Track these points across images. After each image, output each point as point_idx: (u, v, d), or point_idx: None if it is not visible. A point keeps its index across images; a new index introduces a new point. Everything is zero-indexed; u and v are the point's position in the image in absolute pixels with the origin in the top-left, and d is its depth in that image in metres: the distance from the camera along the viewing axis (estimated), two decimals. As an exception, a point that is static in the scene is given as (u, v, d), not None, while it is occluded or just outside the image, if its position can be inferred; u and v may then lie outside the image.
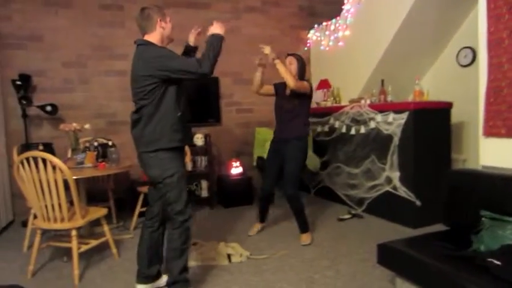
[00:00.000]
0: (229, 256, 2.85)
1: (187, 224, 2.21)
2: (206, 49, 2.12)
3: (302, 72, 3.22)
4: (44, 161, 2.40)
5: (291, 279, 2.50)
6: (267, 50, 2.99)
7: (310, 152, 4.62)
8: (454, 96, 3.73)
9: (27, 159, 2.43)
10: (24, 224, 3.67)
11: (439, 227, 2.42)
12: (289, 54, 3.29)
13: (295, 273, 2.59)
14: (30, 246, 3.03)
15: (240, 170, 4.61)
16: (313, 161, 4.57)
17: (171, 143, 2.15)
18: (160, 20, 2.22)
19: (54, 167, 2.42)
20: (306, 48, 5.33)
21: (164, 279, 2.42)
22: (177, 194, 2.17)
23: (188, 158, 4.01)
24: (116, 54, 4.36)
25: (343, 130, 4.20)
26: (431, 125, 3.48)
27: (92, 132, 3.76)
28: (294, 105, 3.17)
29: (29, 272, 2.64)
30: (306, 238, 3.18)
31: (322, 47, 5.01)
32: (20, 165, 2.47)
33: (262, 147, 4.42)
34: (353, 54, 4.46)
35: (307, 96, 3.19)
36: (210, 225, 3.72)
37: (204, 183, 4.45)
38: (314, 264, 2.73)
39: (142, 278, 2.35)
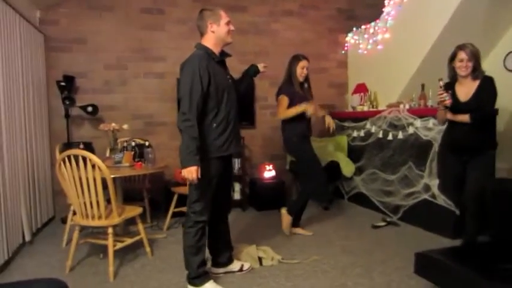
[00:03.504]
0: (260, 259, 2.82)
1: (201, 225, 2.31)
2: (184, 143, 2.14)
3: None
4: (84, 159, 2.48)
5: (323, 285, 2.43)
6: (310, 110, 3.18)
7: (344, 157, 4.53)
8: (499, 102, 3.50)
9: (69, 157, 2.51)
10: (64, 221, 3.82)
11: (479, 239, 2.28)
12: (303, 58, 3.31)
13: (327, 280, 2.52)
14: (68, 242, 3.14)
15: (273, 173, 4.58)
16: (347, 166, 4.46)
17: None
18: (211, 23, 2.27)
19: (93, 166, 2.50)
20: (343, 52, 5.23)
21: (236, 264, 2.65)
22: (200, 195, 2.26)
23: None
24: (155, 57, 4.46)
25: (380, 135, 4.07)
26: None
27: (129, 133, 3.86)
28: None
29: (67, 267, 2.73)
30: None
31: (360, 51, 4.90)
32: (62, 163, 2.56)
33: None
34: (392, 57, 4.32)
35: None
36: (241, 228, 3.71)
37: (237, 186, 4.45)
38: (347, 271, 2.64)
39: (215, 264, 2.63)
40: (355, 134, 4.53)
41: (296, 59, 3.32)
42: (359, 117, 4.48)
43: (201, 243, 2.35)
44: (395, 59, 4.27)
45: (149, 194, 4.00)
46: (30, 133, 3.60)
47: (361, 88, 4.88)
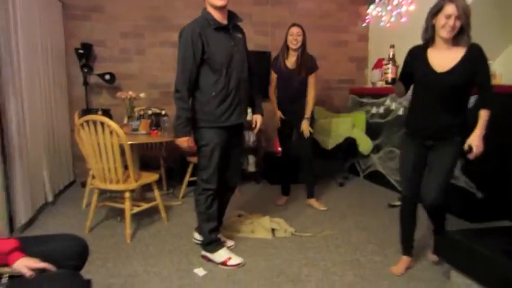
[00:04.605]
0: (273, 231, 2.85)
1: (210, 193, 2.34)
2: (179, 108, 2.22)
3: (305, 44, 3.28)
4: (103, 125, 2.50)
5: (335, 260, 2.44)
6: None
7: (362, 134, 4.46)
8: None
9: (88, 122, 2.54)
10: (83, 185, 3.92)
11: (501, 224, 2.23)
12: (294, 25, 3.26)
13: (340, 255, 2.53)
14: (88, 205, 3.23)
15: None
16: (365, 143, 4.40)
17: None
18: None
19: (111, 132, 2.52)
20: (364, 25, 5.06)
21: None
22: (206, 163, 2.28)
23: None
24: (172, 25, 4.40)
25: (400, 112, 3.97)
26: (502, 111, 3.16)
27: (146, 102, 3.87)
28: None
29: (86, 227, 2.82)
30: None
31: (382, 23, 4.72)
32: (81, 128, 2.60)
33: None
34: (417, 31, 4.13)
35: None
36: (255, 200, 3.74)
37: (251, 158, 4.45)
38: (360, 247, 2.64)
39: None
40: (373, 110, 4.44)
41: (289, 26, 3.29)
42: (379, 94, 4.37)
43: (211, 211, 2.38)
44: (419, 33, 4.09)
45: (165, 163, 4.05)
46: (50, 100, 3.64)
47: (381, 63, 4.73)
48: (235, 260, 2.37)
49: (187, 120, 2.19)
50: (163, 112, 3.44)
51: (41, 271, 1.32)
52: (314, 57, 3.37)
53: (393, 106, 4.10)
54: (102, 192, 2.93)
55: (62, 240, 1.57)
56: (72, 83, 4.27)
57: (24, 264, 1.33)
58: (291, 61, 3.32)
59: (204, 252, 2.43)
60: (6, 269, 1.33)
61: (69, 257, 1.48)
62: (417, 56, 2.16)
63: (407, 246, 2.32)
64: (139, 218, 3.07)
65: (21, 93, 2.90)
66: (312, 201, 3.53)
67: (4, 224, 2.59)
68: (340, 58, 5.03)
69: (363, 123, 4.57)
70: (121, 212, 2.85)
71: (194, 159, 3.60)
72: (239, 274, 2.26)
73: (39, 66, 3.38)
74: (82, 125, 2.57)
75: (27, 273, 1.30)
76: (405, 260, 2.32)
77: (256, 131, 2.62)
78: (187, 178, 3.70)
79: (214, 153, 2.29)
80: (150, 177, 2.90)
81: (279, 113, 3.44)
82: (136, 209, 2.81)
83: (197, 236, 2.60)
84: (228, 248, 2.51)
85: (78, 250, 1.54)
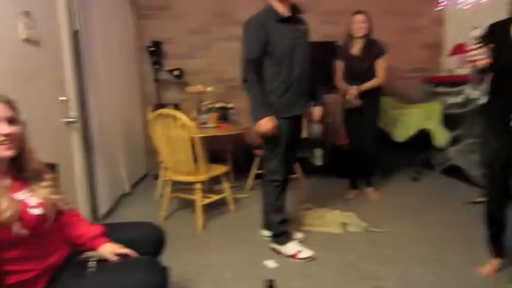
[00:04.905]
0: (344, 225, 2.74)
1: (277, 184, 2.32)
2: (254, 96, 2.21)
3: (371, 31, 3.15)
4: (174, 118, 2.58)
5: (415, 258, 2.28)
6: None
7: (437, 125, 4.14)
8: None
9: (160, 116, 2.63)
10: (156, 177, 4.10)
11: None
12: (357, 12, 3.11)
13: (420, 253, 2.35)
14: (161, 196, 3.38)
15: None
16: (440, 135, 4.08)
17: None
18: None
19: (182, 125, 2.58)
20: (439, 8, 4.67)
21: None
22: (273, 155, 2.29)
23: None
24: (237, 20, 4.41)
25: (482, 101, 3.60)
26: None
27: (213, 96, 3.94)
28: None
29: (160, 217, 2.95)
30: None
31: (459, 6, 4.33)
32: (154, 122, 2.70)
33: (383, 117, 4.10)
34: (499, 13, 3.73)
35: None
36: (323, 194, 3.61)
37: (319, 152, 4.34)
38: (444, 246, 2.43)
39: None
40: (451, 100, 4.09)
41: (352, 14, 3.16)
42: (456, 82, 4.01)
43: (279, 202, 2.37)
44: (502, 16, 3.68)
45: (232, 156, 4.09)
46: (125, 96, 3.86)
47: (461, 49, 4.34)
48: (306, 253, 2.31)
49: (264, 102, 2.19)
50: (230, 105, 3.48)
51: (123, 256, 1.38)
52: (382, 41, 3.18)
53: (474, 95, 3.74)
54: (175, 184, 3.02)
55: (141, 227, 1.63)
56: (144, 80, 4.49)
57: (109, 250, 1.39)
58: (356, 49, 3.17)
59: (273, 245, 2.41)
60: (92, 253, 1.40)
61: (148, 244, 1.53)
62: (501, 33, 1.87)
63: (497, 247, 2.08)
64: (209, 209, 3.13)
65: (101, 91, 3.09)
66: (369, 190, 3.43)
67: (89, 213, 2.79)
68: (410, 45, 4.70)
69: (438, 114, 4.24)
70: (192, 203, 2.92)
71: (260, 152, 3.61)
72: (310, 268, 2.21)
73: (115, 65, 3.59)
74: (155, 119, 2.68)
75: (112, 257, 1.37)
76: (495, 261, 2.09)
77: (317, 122, 2.57)
78: (253, 171, 3.71)
79: (281, 144, 2.27)
80: (220, 169, 2.94)
81: (352, 88, 3.18)
82: (206, 200, 2.87)
83: (265, 233, 2.58)
84: (298, 240, 2.46)
85: (157, 238, 1.60)
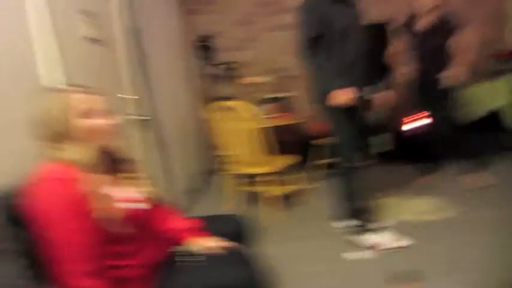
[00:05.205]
0: (426, 212, 2.56)
1: (350, 171, 2.24)
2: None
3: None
4: (237, 111, 2.52)
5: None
6: None
7: (509, 104, 3.81)
8: None
9: (222, 109, 2.59)
10: (216, 172, 4.08)
11: None
12: None
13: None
14: (226, 190, 3.29)
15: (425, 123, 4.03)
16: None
17: None
18: None
19: (247, 117, 2.52)
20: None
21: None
22: (340, 141, 2.23)
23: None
24: (285, 8, 4.31)
25: None
26: None
27: (267, 87, 3.85)
28: None
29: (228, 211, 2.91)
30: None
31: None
32: (214, 116, 2.66)
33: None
34: None
35: None
36: (393, 181, 3.34)
37: (384, 137, 4.11)
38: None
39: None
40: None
41: None
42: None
43: (355, 191, 2.28)
44: None
45: (292, 147, 3.96)
46: (179, 91, 3.87)
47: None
48: (388, 243, 2.19)
49: (336, 75, 2.13)
50: (285, 95, 3.39)
51: (224, 249, 1.34)
52: (455, 13, 2.90)
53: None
54: (240, 177, 2.98)
55: (227, 219, 1.61)
56: (195, 75, 4.48)
57: (208, 243, 1.37)
58: (423, 24, 2.93)
59: (350, 236, 2.30)
60: (191, 247, 1.37)
61: (235, 235, 1.49)
62: None
63: None
64: (277, 202, 3.05)
65: (160, 88, 3.09)
66: (465, 178, 3.07)
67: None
68: (480, 16, 4.31)
69: (509, 92, 3.89)
70: (257, 196, 2.86)
71: (319, 142, 3.49)
72: (393, 259, 2.07)
73: (169, 61, 3.59)
74: (216, 112, 2.64)
75: (213, 250, 1.34)
76: None
77: (385, 107, 2.43)
78: (320, 161, 3.59)
79: (349, 129, 2.20)
80: (287, 160, 2.87)
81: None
82: (275, 192, 2.81)
83: (338, 224, 2.48)
84: (377, 230, 2.33)
85: (243, 229, 1.58)
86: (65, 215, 1.04)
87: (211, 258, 1.31)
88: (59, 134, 1.11)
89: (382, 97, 2.42)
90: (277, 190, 2.86)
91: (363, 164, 2.34)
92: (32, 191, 1.06)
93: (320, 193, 3.24)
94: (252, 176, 2.84)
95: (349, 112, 2.17)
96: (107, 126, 1.18)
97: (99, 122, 1.16)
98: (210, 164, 4.49)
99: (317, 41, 2.15)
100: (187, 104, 4.19)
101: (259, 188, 2.77)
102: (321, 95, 2.18)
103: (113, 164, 1.26)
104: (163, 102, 3.13)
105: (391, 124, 4.15)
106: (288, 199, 3.10)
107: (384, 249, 2.16)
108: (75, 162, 1.10)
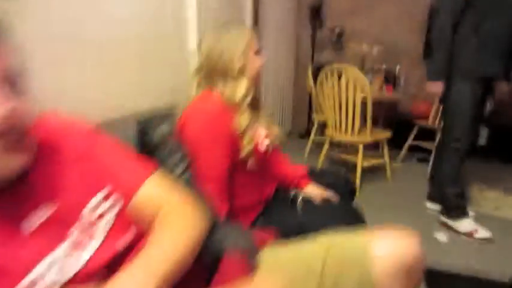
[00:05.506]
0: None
1: (457, 153, 2.16)
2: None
3: None
4: (349, 77, 2.53)
5: None
6: None
7: None
8: None
9: (329, 73, 2.62)
10: (301, 136, 4.19)
11: None
12: None
13: None
14: (310, 154, 3.44)
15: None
16: None
17: None
18: None
19: (357, 85, 2.53)
20: None
21: None
22: (456, 120, 2.12)
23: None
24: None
25: None
26: None
27: (374, 58, 3.74)
28: None
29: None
30: None
31: None
32: (324, 80, 2.71)
33: None
34: None
35: None
36: (492, 176, 3.16)
37: (484, 131, 3.83)
38: None
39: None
40: None
41: None
42: None
43: (458, 173, 2.19)
44: None
45: (387, 123, 3.89)
46: (279, 56, 3.93)
47: None
48: (483, 233, 2.13)
49: (445, 65, 2.03)
50: (396, 68, 3.28)
51: (325, 200, 1.41)
52: None
53: None
54: (333, 143, 3.02)
55: (335, 175, 1.68)
56: (301, 39, 4.49)
57: (314, 191, 1.45)
58: None
59: (444, 218, 2.27)
60: (298, 191, 1.46)
61: (342, 191, 1.55)
62: None
63: None
64: (364, 173, 3.06)
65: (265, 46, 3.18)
66: None
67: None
68: None
69: None
70: (346, 164, 2.90)
71: (420, 122, 3.37)
72: (487, 249, 2.03)
73: (278, 25, 3.64)
74: (325, 77, 2.68)
75: (316, 198, 1.42)
76: None
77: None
78: (409, 141, 3.51)
79: (466, 108, 2.07)
80: (383, 134, 2.85)
81: None
82: (365, 163, 2.81)
83: (431, 205, 2.46)
84: (473, 218, 2.26)
85: (349, 187, 1.64)
86: (213, 145, 1.16)
87: (319, 206, 1.37)
88: (234, 70, 1.17)
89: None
90: (368, 162, 2.87)
91: (474, 146, 2.24)
92: (190, 120, 1.17)
93: (408, 172, 3.22)
94: (345, 145, 2.86)
95: (476, 91, 2.05)
96: (263, 66, 1.26)
97: (263, 61, 1.26)
98: (305, 128, 4.59)
99: (461, 13, 1.99)
100: (287, 67, 4.25)
101: (350, 157, 2.80)
102: (457, 68, 2.05)
103: (254, 104, 1.31)
104: (267, 63, 3.24)
105: (491, 117, 3.78)
106: (375, 172, 3.10)
107: (480, 239, 2.11)
108: (233, 99, 1.18)
